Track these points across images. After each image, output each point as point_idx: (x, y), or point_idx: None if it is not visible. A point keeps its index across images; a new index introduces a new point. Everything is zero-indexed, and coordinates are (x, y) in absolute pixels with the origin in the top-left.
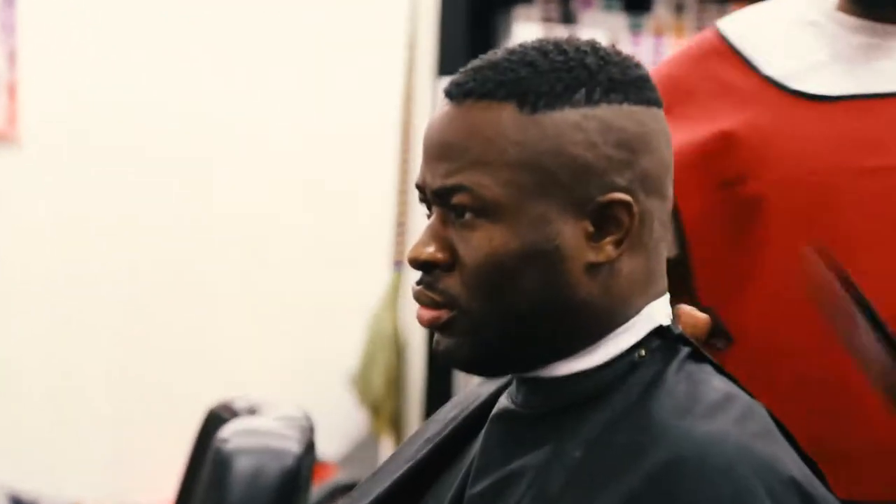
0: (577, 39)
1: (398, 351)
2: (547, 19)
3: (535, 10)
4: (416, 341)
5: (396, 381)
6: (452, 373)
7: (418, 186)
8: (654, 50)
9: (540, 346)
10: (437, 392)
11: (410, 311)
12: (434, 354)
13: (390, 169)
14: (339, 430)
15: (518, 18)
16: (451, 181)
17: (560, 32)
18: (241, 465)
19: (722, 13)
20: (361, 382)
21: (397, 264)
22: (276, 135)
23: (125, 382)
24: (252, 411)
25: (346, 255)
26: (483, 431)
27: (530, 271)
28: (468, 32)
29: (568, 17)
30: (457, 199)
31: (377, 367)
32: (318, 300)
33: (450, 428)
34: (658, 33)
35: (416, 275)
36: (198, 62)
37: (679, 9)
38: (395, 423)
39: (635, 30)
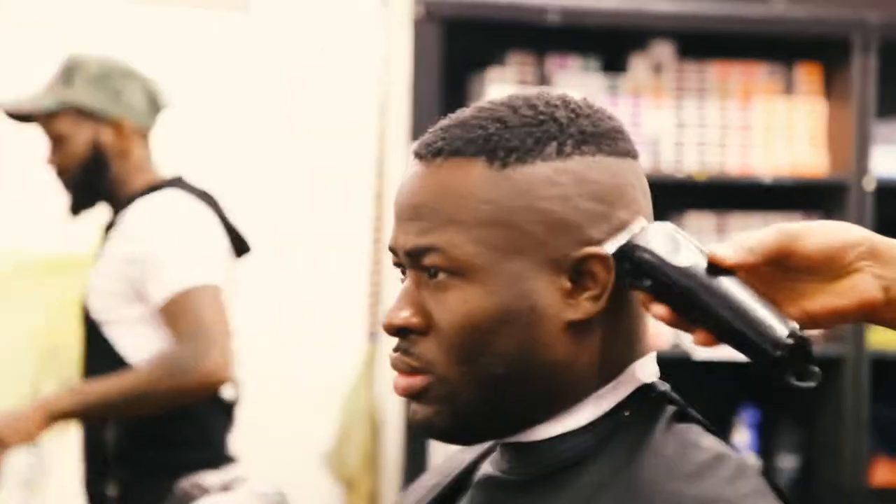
0: (548, 94)
1: (374, 426)
2: (521, 81)
3: (509, 72)
4: (393, 416)
5: (372, 458)
6: (429, 448)
7: (391, 249)
8: (632, 111)
9: (520, 410)
10: (414, 468)
11: (386, 385)
12: (411, 425)
13: (364, 238)
14: None
15: (492, 80)
16: (423, 241)
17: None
18: None
19: (701, 73)
20: (337, 459)
21: (372, 336)
22: (247, 205)
23: None
24: (224, 488)
25: (320, 328)
26: (466, 499)
27: (507, 332)
28: (441, 96)
29: (543, 79)
30: (429, 259)
31: (353, 443)
32: (292, 375)
33: (431, 497)
34: (635, 94)
35: (393, 345)
36: (170, 128)
37: (657, 69)
38: (372, 501)
39: (613, 91)
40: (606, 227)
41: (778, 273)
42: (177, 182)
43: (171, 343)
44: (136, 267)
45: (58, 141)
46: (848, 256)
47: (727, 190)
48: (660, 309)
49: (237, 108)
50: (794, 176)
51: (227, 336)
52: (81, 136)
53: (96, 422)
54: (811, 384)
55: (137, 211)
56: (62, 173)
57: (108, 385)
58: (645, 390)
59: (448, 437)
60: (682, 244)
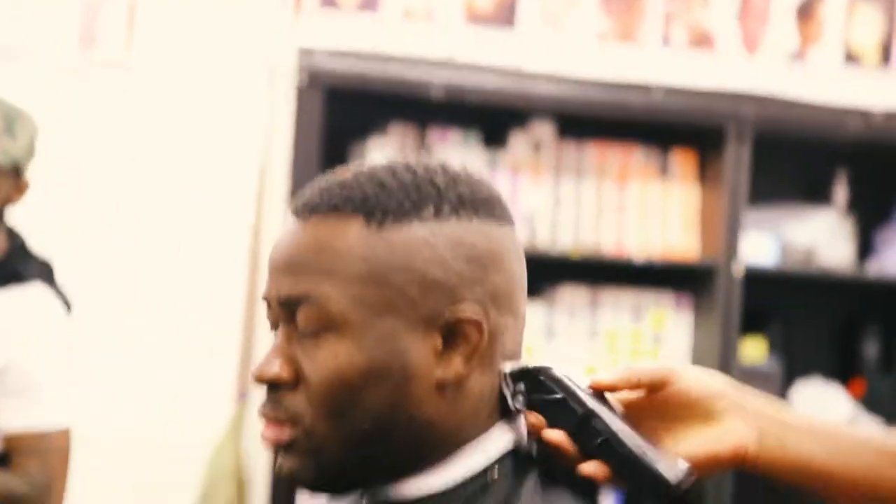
0: (427, 160)
1: (240, 485)
2: (402, 151)
3: (390, 142)
4: (259, 476)
5: None
6: None
7: (265, 299)
8: (511, 186)
9: (384, 465)
10: None
11: (254, 444)
12: (277, 476)
13: (237, 298)
14: None
15: (373, 149)
16: (297, 290)
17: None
18: None
19: (580, 152)
20: None
21: (241, 396)
22: (119, 262)
23: None
24: None
25: (189, 386)
26: None
27: (376, 389)
28: (321, 161)
29: (424, 150)
30: (302, 311)
31: (218, 501)
32: (158, 431)
33: None
34: (515, 170)
35: (261, 403)
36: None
37: (536, 147)
38: None
39: (492, 165)
40: (480, 290)
41: (655, 416)
42: (33, 263)
43: (15, 475)
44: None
45: None
46: (721, 402)
47: (601, 268)
48: (555, 433)
49: (113, 165)
50: (665, 258)
51: (64, 492)
52: (3, 192)
53: None
54: None
55: (11, 307)
56: None
57: None
58: (514, 451)
59: (313, 489)
60: (573, 378)
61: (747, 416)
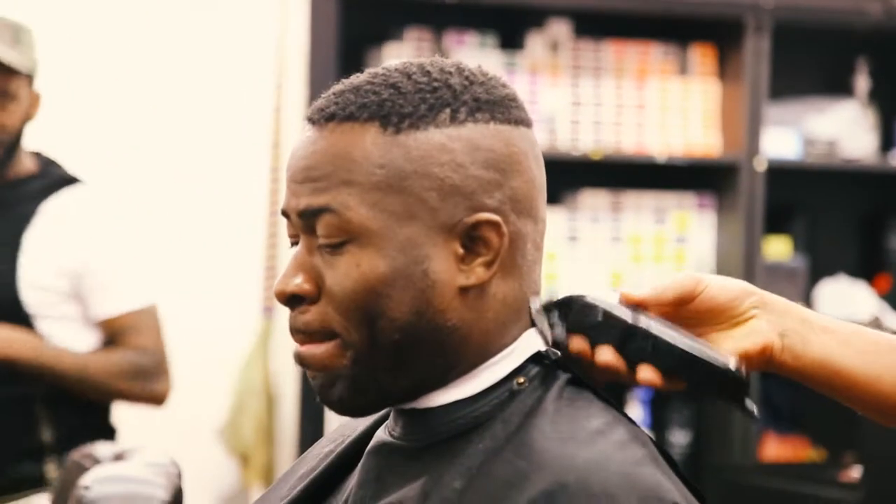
0: (442, 61)
1: (269, 400)
2: (419, 56)
3: (406, 48)
4: (288, 390)
5: (267, 431)
6: (325, 421)
7: (284, 212)
8: (530, 88)
9: (415, 376)
10: (310, 441)
11: (282, 359)
12: (308, 396)
13: (259, 213)
14: (209, 481)
15: (389, 57)
16: (316, 201)
17: None
18: None
19: (597, 51)
20: (231, 433)
21: (267, 311)
22: (139, 178)
23: None
24: (117, 458)
25: (215, 302)
26: (360, 465)
27: (400, 297)
28: (338, 71)
29: (440, 55)
30: (322, 222)
31: (247, 416)
32: (186, 349)
33: (325, 463)
34: (533, 71)
35: (287, 319)
36: (59, 104)
37: (554, 47)
38: (267, 475)
39: (510, 68)
40: (499, 194)
41: (683, 325)
42: (62, 172)
43: (126, 351)
44: (82, 271)
45: (9, 97)
46: (745, 304)
47: (622, 168)
48: (605, 353)
49: (129, 84)
50: (687, 156)
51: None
52: (25, 101)
53: (27, 375)
54: (754, 412)
55: (72, 209)
56: (4, 133)
57: (66, 357)
58: (539, 358)
59: (346, 406)
60: (605, 299)
61: (771, 316)
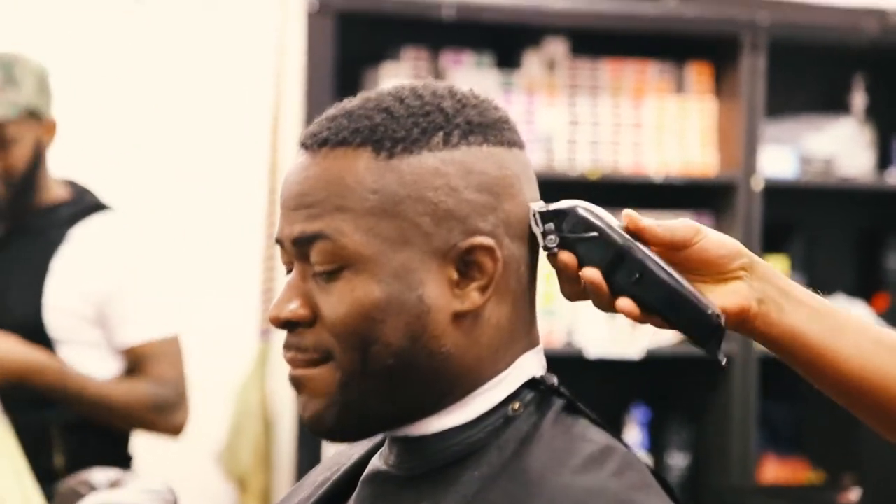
0: (435, 84)
1: (266, 424)
2: (416, 76)
3: (403, 67)
4: (286, 413)
5: (265, 456)
6: (322, 445)
7: (278, 240)
8: (526, 108)
9: (409, 402)
10: (307, 465)
11: (279, 382)
12: (301, 420)
13: (257, 234)
14: None
15: (386, 76)
16: (310, 228)
17: None
18: None
19: (594, 70)
20: (229, 457)
21: (264, 334)
22: (137, 200)
23: None
24: (113, 484)
25: (212, 325)
26: (354, 494)
27: (395, 322)
28: (335, 90)
29: (437, 74)
30: (316, 249)
31: (245, 440)
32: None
33: (320, 492)
34: (530, 91)
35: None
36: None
37: (550, 66)
38: (264, 499)
39: (506, 87)
40: (493, 218)
41: (672, 267)
42: (94, 199)
43: (149, 382)
44: (107, 297)
45: (6, 144)
46: (734, 263)
47: (619, 188)
48: (590, 271)
49: (127, 98)
50: (684, 175)
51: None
52: (29, 138)
53: (49, 398)
54: (723, 361)
55: (100, 235)
56: (8, 177)
57: (89, 384)
58: (534, 384)
59: (337, 432)
60: (607, 216)
61: (754, 281)
